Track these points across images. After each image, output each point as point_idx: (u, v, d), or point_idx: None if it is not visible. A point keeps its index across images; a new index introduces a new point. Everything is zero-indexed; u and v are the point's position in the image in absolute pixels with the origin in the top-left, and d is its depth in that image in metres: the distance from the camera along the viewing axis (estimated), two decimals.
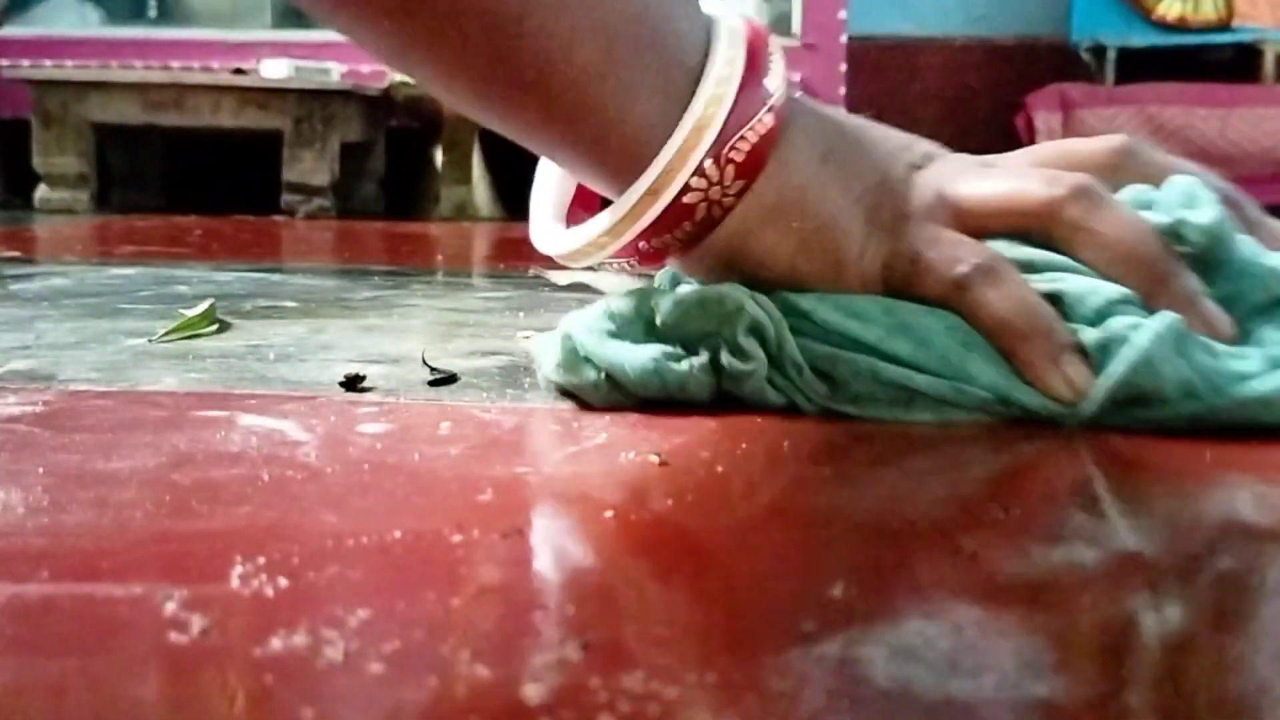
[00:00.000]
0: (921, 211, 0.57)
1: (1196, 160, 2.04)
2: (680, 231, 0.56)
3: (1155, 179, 0.60)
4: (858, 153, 0.58)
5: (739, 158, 0.54)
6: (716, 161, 0.54)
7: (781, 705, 0.29)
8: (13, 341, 0.82)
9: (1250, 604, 0.36)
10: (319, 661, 0.32)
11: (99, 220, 2.22)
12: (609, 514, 0.45)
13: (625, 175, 0.56)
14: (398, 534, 0.44)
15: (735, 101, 0.54)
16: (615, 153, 0.55)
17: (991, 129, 3.25)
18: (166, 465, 0.52)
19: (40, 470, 0.53)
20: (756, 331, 0.55)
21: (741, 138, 0.54)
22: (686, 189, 0.54)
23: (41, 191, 2.36)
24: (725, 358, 0.56)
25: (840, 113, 0.62)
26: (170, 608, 0.36)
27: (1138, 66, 2.97)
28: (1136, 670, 0.30)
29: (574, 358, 0.58)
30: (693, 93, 0.54)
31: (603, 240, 0.57)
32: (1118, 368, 0.52)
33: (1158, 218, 0.57)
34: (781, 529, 0.44)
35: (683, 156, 0.54)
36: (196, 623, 0.35)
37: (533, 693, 0.30)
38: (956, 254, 0.55)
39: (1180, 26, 2.95)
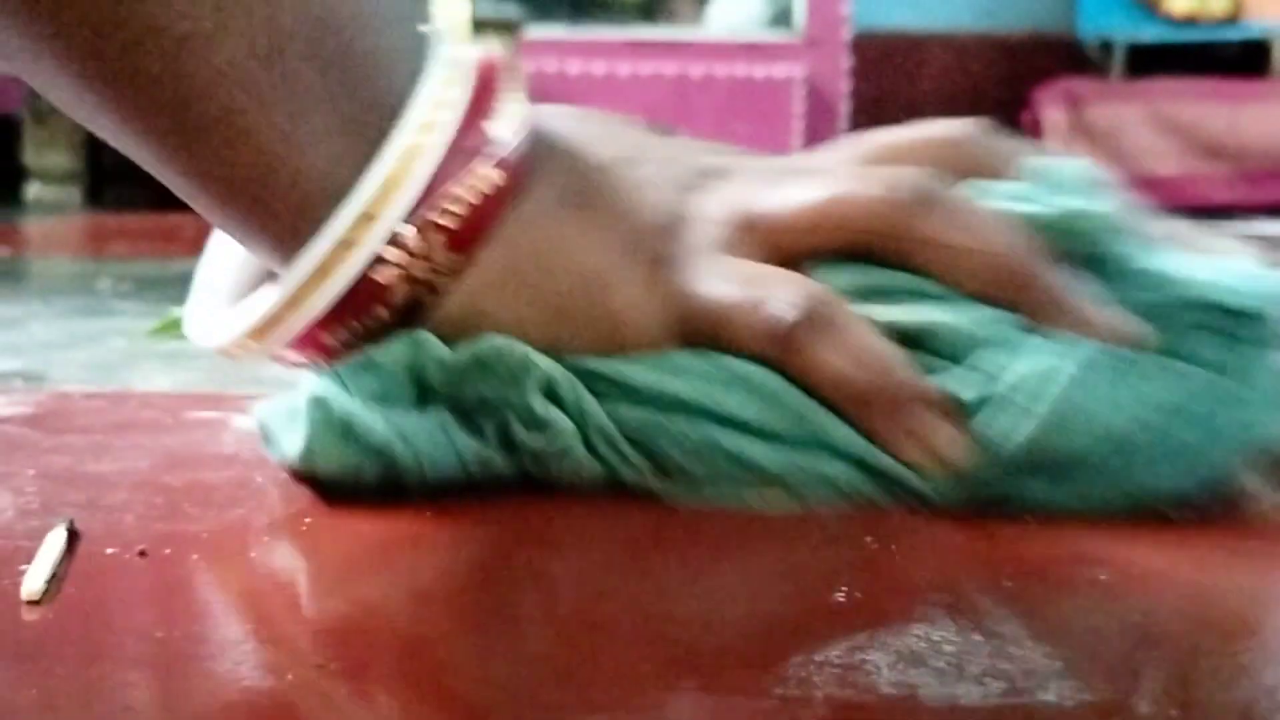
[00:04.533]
0: (717, 243, 0.43)
1: (1204, 155, 2.04)
2: (372, 319, 0.41)
3: (1001, 170, 0.46)
4: (622, 187, 0.44)
5: (453, 224, 0.40)
6: (420, 231, 0.40)
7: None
8: (3, 341, 0.82)
9: None
10: (315, 667, 0.32)
11: (91, 217, 2.22)
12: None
13: (294, 243, 0.41)
14: (397, 533, 0.43)
15: (447, 154, 0.40)
16: (282, 212, 0.41)
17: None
18: (159, 467, 0.52)
19: (31, 472, 0.52)
20: (552, 395, 0.41)
21: (456, 199, 0.40)
22: (377, 263, 0.40)
23: (33, 188, 2.36)
24: (519, 431, 0.41)
25: (605, 134, 0.46)
26: (163, 611, 0.36)
27: (1146, 61, 2.96)
28: None
29: (331, 433, 0.41)
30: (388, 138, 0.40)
31: (258, 334, 0.43)
32: (1019, 424, 0.39)
33: (1030, 209, 0.42)
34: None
35: (366, 222, 0.39)
36: (190, 626, 0.35)
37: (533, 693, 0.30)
38: (775, 296, 0.41)
39: (1189, 21, 2.94)
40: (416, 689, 0.31)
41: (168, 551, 0.40)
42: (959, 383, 0.40)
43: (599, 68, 2.67)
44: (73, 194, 2.39)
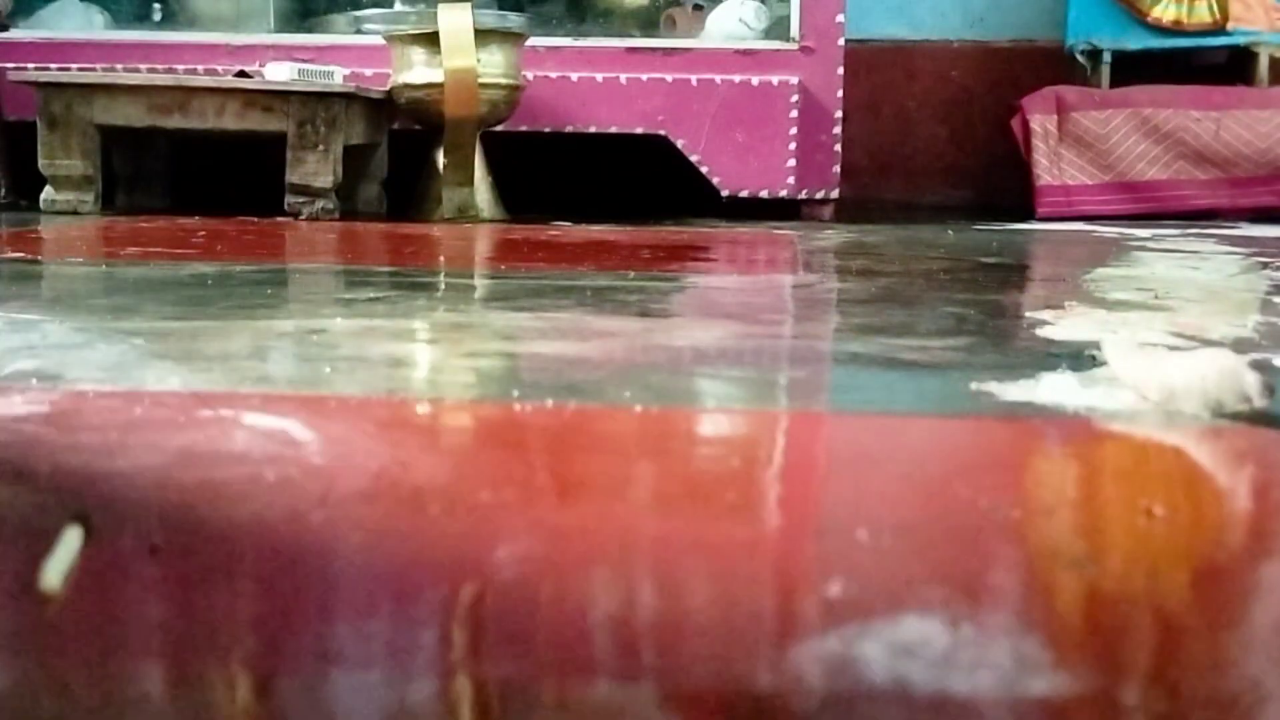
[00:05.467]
0: None
1: (1190, 160, 2.07)
2: None
3: None
4: None
5: None
6: None
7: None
8: (19, 342, 0.83)
9: None
10: (320, 663, 0.33)
11: (104, 222, 2.23)
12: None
13: None
14: (402, 531, 0.44)
15: None
16: None
17: (988, 131, 3.26)
18: (172, 464, 0.53)
19: (47, 470, 0.53)
20: None
21: None
22: None
23: (47, 193, 2.37)
24: None
25: None
26: (176, 605, 0.37)
27: (1132, 69, 2.97)
28: None
29: None
30: None
31: None
32: None
33: None
34: None
35: None
36: (203, 620, 0.36)
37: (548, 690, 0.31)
38: None
39: (1175, 29, 2.95)
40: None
41: (181, 547, 0.42)
42: None
43: (601, 74, 2.68)
44: (85, 199, 2.39)
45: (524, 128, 2.70)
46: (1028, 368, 0.81)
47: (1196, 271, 1.61)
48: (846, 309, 1.21)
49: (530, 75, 2.63)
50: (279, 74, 2.47)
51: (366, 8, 2.87)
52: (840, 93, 2.70)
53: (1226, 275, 1.58)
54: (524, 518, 0.46)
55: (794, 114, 2.67)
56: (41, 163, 2.40)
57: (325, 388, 0.70)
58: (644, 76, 2.69)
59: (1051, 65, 3.17)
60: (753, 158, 2.66)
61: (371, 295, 1.20)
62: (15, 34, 2.79)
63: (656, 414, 0.63)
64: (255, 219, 2.31)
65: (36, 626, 0.34)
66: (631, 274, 1.43)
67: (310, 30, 2.90)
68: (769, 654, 0.32)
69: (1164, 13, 2.93)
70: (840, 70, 2.70)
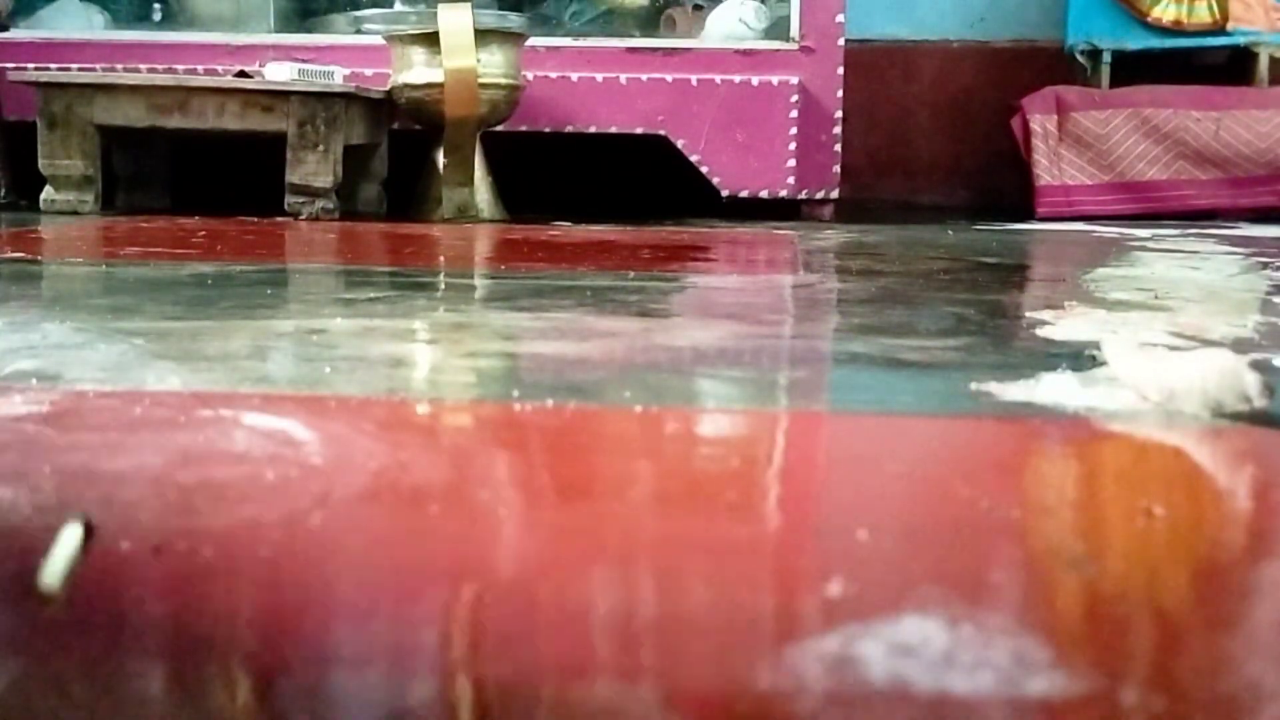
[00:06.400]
0: None
1: (1190, 160, 2.07)
2: None
3: None
4: None
5: None
6: None
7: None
8: (19, 342, 0.83)
9: None
10: (320, 663, 0.33)
11: (104, 222, 2.23)
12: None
13: None
14: (402, 531, 0.44)
15: None
16: None
17: (988, 131, 3.26)
18: (172, 464, 0.53)
19: (47, 469, 0.53)
20: None
21: None
22: None
23: (47, 193, 2.37)
24: None
25: None
26: (173, 605, 0.37)
27: (1132, 69, 2.98)
28: None
29: None
30: None
31: None
32: None
33: None
34: None
35: None
36: (204, 620, 0.36)
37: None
38: None
39: (1175, 29, 2.95)
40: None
41: (181, 547, 0.42)
42: None
43: (601, 74, 2.68)
44: (85, 199, 2.39)
45: (524, 128, 2.70)
46: (1028, 368, 0.81)
47: (1196, 271, 1.61)
48: (846, 309, 1.21)
49: (530, 75, 2.63)
50: (279, 74, 2.47)
51: (366, 8, 2.87)
52: (840, 93, 2.70)
53: (1226, 275, 1.58)
54: (524, 518, 0.46)
55: (794, 114, 2.67)
56: (41, 163, 2.40)
57: (325, 388, 0.70)
58: (644, 76, 2.69)
59: (1051, 65, 3.17)
60: (753, 158, 2.66)
61: (371, 295, 1.20)
62: (15, 34, 2.79)
63: (656, 414, 0.63)
64: (255, 219, 2.31)
65: (36, 626, 0.35)
66: (631, 274, 1.43)
67: (310, 30, 2.90)
68: (769, 654, 0.32)
69: (1164, 13, 2.93)
70: (840, 70, 2.70)
